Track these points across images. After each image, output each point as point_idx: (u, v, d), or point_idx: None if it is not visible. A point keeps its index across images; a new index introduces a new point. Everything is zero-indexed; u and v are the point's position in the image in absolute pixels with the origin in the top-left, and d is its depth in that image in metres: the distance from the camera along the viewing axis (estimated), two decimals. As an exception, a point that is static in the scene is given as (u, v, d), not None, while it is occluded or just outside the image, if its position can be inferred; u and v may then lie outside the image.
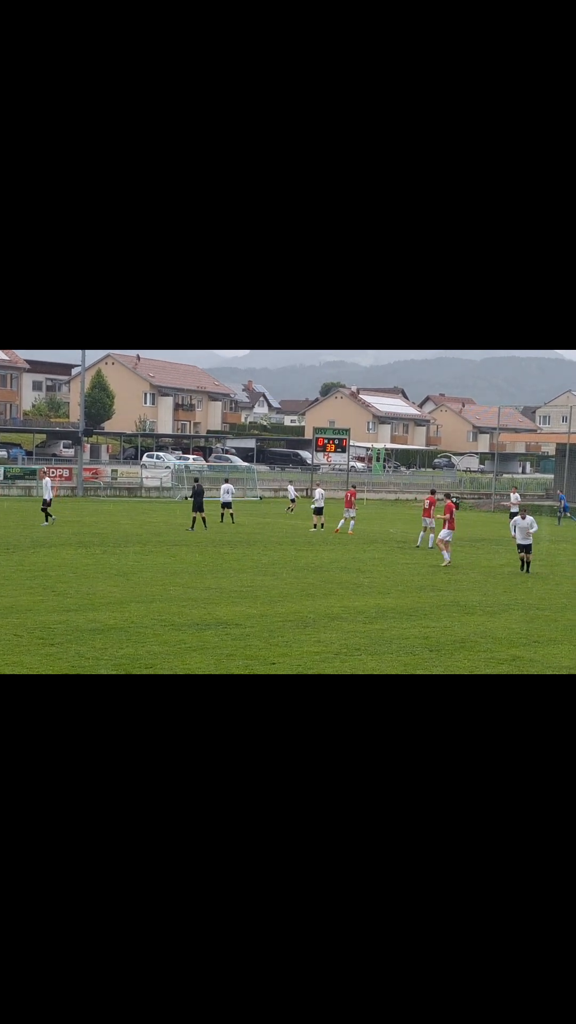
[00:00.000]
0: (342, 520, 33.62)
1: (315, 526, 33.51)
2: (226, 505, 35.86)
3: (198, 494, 31.97)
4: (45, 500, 31.96)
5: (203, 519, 31.59)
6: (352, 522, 33.18)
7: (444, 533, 24.97)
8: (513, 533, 24.77)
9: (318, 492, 34.30)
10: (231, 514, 35.61)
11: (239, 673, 11.78)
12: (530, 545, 23.56)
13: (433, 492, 30.55)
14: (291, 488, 47.72)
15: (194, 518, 31.64)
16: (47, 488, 32.18)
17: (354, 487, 37.41)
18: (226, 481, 38.92)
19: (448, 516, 24.95)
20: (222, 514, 35.56)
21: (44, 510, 31.76)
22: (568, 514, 44.68)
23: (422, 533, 29.46)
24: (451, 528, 24.91)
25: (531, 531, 23.28)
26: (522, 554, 23.72)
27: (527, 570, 23.45)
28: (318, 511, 33.65)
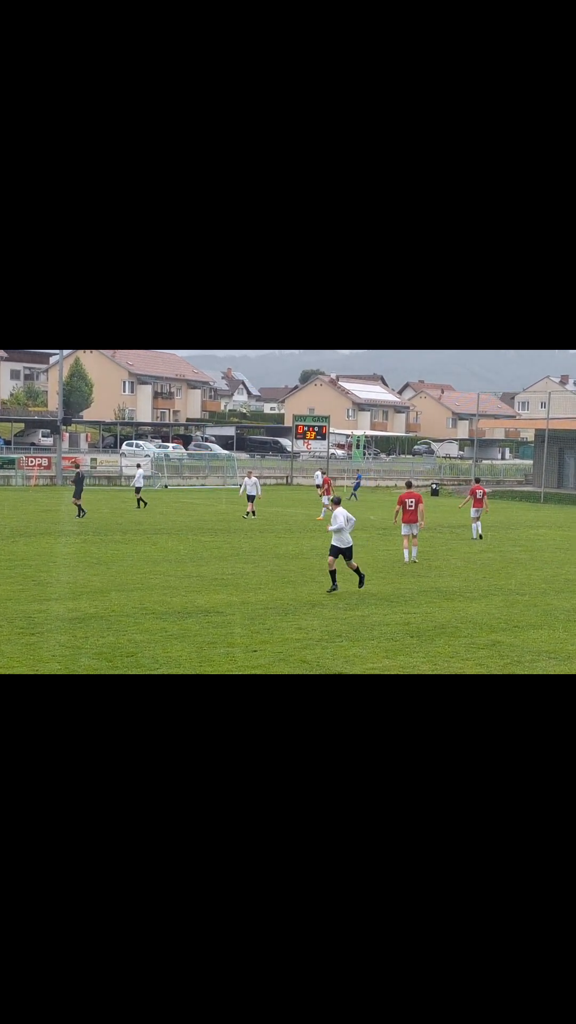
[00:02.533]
0: (324, 509, 33.69)
1: (247, 513, 32.94)
2: (137, 490, 36.37)
3: (79, 481, 32.02)
4: None
5: (79, 506, 31.31)
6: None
7: (408, 528, 21.77)
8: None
9: (249, 480, 33.94)
10: (141, 499, 35.95)
11: (221, 661, 11.80)
12: (349, 549, 17.07)
13: (478, 480, 30.31)
14: (318, 474, 48.56)
15: (78, 505, 31.33)
16: None
17: (322, 472, 38.08)
18: (138, 467, 40.12)
19: (401, 508, 21.75)
20: (138, 500, 35.86)
21: None
22: (355, 492, 46.37)
23: (475, 525, 28.43)
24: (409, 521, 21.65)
25: (333, 528, 17.06)
26: (331, 559, 17.20)
27: (335, 585, 17.10)
28: (250, 498, 33.24)
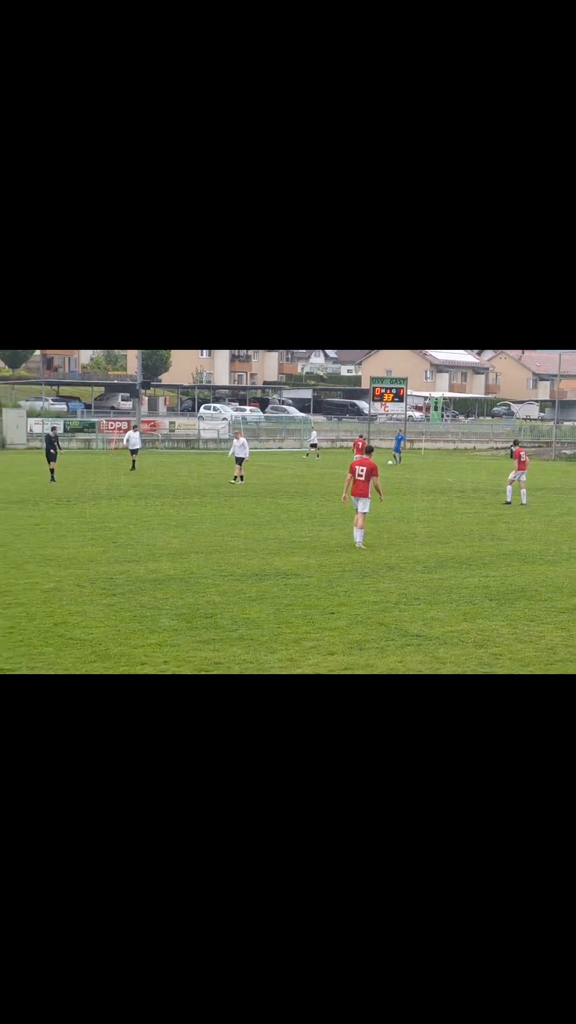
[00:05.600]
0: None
1: (235, 478, 31.62)
2: (134, 451, 36.27)
3: (50, 442, 31.52)
4: None
5: (51, 470, 30.87)
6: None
7: (363, 505, 17.90)
8: None
9: (238, 440, 32.25)
10: (134, 460, 35.98)
11: (299, 623, 11.85)
12: None
13: (516, 443, 29.25)
14: (314, 434, 47.68)
15: (51, 470, 30.92)
16: None
17: (361, 436, 37.42)
18: (134, 429, 39.42)
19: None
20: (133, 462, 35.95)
21: None
22: (397, 453, 44.80)
23: (512, 488, 27.30)
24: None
25: None
26: None
27: None
28: (239, 461, 31.66)
